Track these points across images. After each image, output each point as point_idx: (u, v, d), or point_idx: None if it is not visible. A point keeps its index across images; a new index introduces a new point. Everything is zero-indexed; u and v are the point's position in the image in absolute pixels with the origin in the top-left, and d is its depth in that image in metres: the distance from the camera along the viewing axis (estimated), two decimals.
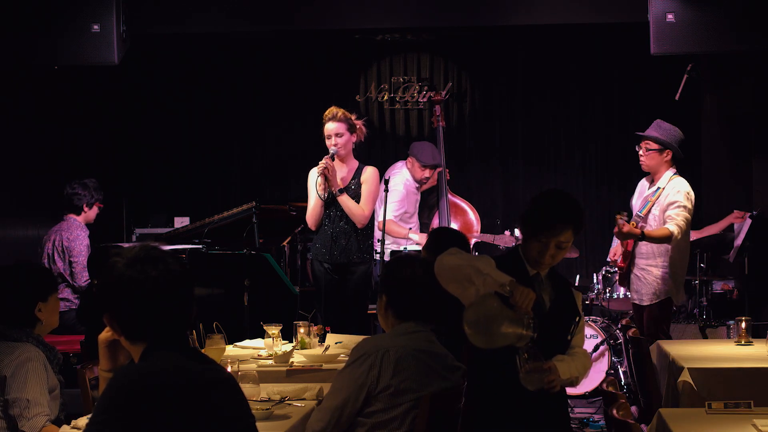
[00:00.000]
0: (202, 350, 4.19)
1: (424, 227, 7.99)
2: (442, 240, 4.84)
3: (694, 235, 7.02)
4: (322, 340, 5.24)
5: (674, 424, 3.43)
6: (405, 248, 7.56)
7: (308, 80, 9.59)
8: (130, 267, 2.49)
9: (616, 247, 6.75)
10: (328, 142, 6.27)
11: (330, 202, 6.24)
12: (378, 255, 6.64)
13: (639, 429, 3.10)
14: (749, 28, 7.00)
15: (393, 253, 7.19)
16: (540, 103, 9.56)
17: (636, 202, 6.65)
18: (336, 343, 5.08)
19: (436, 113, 8.26)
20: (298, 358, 4.78)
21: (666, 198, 6.32)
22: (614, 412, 3.22)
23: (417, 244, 7.49)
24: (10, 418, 3.62)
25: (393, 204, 7.55)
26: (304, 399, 3.92)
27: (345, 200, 6.18)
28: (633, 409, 5.37)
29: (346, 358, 3.62)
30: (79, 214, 7.32)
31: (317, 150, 9.59)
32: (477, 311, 3.51)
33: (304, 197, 6.56)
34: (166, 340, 2.50)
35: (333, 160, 6.21)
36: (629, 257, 6.48)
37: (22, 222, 8.04)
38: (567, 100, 9.54)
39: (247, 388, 3.45)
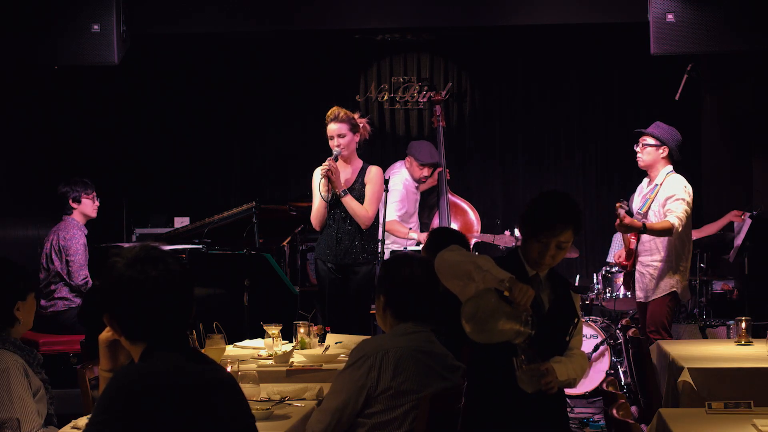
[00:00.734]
0: (202, 350, 4.19)
1: (424, 227, 7.99)
2: (441, 240, 4.84)
3: (694, 235, 7.02)
4: (322, 340, 5.24)
5: (674, 424, 3.43)
6: (405, 248, 7.56)
7: (308, 80, 9.59)
8: (130, 267, 2.49)
9: (620, 251, 6.77)
10: (331, 143, 6.25)
11: (334, 203, 6.23)
12: (378, 255, 6.63)
13: (639, 429, 3.10)
14: (749, 28, 7.01)
15: (393, 253, 7.19)
16: (540, 103, 9.57)
17: (636, 201, 6.66)
18: (336, 343, 5.08)
19: (436, 113, 8.26)
20: (298, 358, 4.78)
21: (664, 194, 6.33)
22: (614, 412, 3.22)
23: (418, 243, 7.49)
24: None
25: (394, 204, 7.55)
26: (304, 399, 3.92)
27: (349, 201, 6.17)
28: (633, 409, 5.36)
29: (346, 358, 3.62)
30: (70, 212, 7.30)
31: (317, 150, 9.61)
32: (475, 305, 3.53)
33: (304, 197, 6.56)
34: (166, 340, 2.50)
35: (336, 161, 6.20)
36: (633, 255, 6.49)
37: (22, 222, 8.04)
38: (567, 100, 9.54)
39: (247, 388, 3.45)
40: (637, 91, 9.31)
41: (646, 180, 6.57)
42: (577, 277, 8.51)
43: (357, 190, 6.22)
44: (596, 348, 7.48)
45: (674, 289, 6.32)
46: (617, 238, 8.54)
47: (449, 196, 8.13)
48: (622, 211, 6.19)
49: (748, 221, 7.39)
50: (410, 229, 7.77)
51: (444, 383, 3.51)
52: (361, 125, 6.30)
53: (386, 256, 6.83)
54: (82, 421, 3.60)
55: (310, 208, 6.48)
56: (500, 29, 8.81)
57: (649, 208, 6.42)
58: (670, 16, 6.98)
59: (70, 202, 7.31)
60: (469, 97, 9.61)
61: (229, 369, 3.83)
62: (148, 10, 7.68)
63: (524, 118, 9.58)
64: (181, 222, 8.78)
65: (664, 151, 6.39)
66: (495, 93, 9.64)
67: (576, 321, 3.86)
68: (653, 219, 6.36)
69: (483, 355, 3.72)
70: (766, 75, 8.34)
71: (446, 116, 9.31)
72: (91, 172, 8.11)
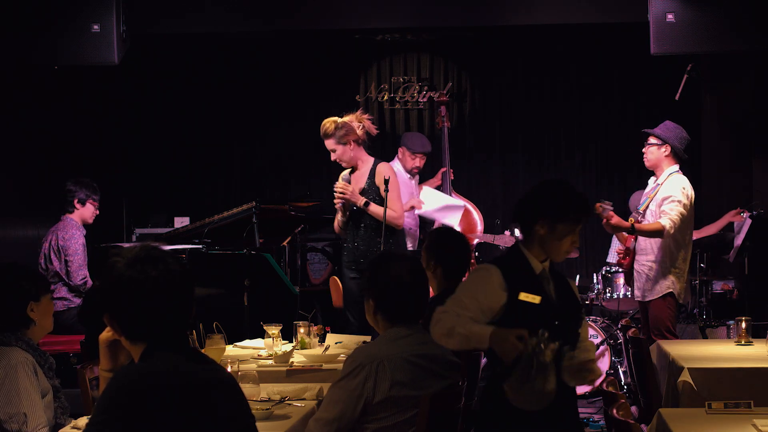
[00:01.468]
0: (202, 350, 4.19)
1: (428, 226, 7.99)
2: (442, 240, 4.84)
3: (695, 235, 7.03)
4: (322, 340, 5.24)
5: (674, 424, 3.43)
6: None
7: (308, 80, 9.59)
8: (130, 267, 2.49)
9: (620, 246, 6.76)
10: (331, 158, 6.29)
11: (350, 213, 6.22)
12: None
13: (639, 429, 3.10)
14: (749, 28, 7.01)
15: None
16: (540, 102, 9.57)
17: (635, 201, 6.68)
18: (336, 343, 5.08)
19: (440, 114, 8.26)
20: (298, 358, 4.78)
21: (662, 193, 6.32)
22: (614, 412, 3.22)
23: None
24: None
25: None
26: (304, 399, 3.92)
27: (373, 209, 6.14)
28: (633, 409, 5.36)
29: (345, 359, 3.61)
30: (72, 212, 7.31)
31: (317, 150, 9.61)
32: (517, 383, 3.53)
33: (304, 197, 6.56)
34: (166, 340, 2.50)
35: (349, 182, 6.18)
36: (631, 254, 6.49)
37: (22, 222, 8.04)
38: (567, 99, 9.54)
39: (247, 388, 3.45)
40: (637, 91, 9.32)
41: (652, 179, 6.57)
42: (577, 277, 8.52)
43: (369, 191, 6.18)
44: (596, 348, 7.48)
45: (670, 290, 6.29)
46: (616, 241, 8.55)
47: (453, 196, 8.13)
48: (609, 211, 6.20)
49: (748, 221, 7.39)
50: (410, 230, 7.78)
51: (443, 382, 3.51)
52: (359, 127, 6.24)
53: None
54: (82, 421, 3.60)
55: (310, 208, 6.49)
56: (500, 29, 8.81)
57: (647, 207, 6.42)
58: (670, 16, 6.98)
59: (75, 202, 7.31)
60: (469, 97, 9.61)
61: (229, 369, 3.83)
62: (148, 10, 7.68)
63: (524, 117, 9.58)
64: (181, 222, 8.78)
65: (666, 150, 6.38)
66: (495, 93, 9.64)
67: (582, 310, 3.83)
68: (650, 218, 6.35)
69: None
70: (766, 75, 8.35)
71: (448, 116, 9.32)
72: (91, 172, 8.11)
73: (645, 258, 6.37)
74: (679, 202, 6.21)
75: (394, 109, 9.69)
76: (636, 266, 6.44)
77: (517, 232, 7.92)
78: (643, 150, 6.46)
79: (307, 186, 9.32)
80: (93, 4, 7.12)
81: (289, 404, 3.76)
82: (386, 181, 6.38)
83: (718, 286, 8.07)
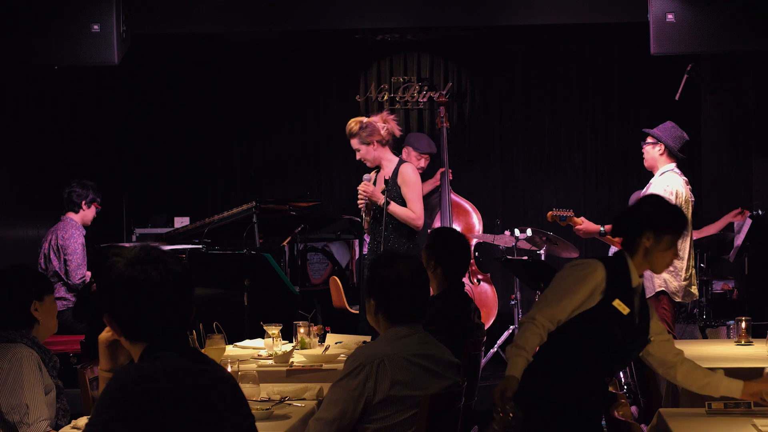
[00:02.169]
0: (202, 350, 4.19)
1: (425, 227, 7.99)
2: (442, 240, 4.84)
3: (694, 235, 7.02)
4: (322, 340, 5.25)
5: (674, 424, 3.43)
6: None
7: (308, 80, 9.59)
8: (130, 267, 2.49)
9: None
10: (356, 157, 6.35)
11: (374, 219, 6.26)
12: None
13: (639, 429, 3.10)
14: (749, 28, 7.01)
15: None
16: (540, 102, 9.56)
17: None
18: (336, 343, 5.08)
19: (440, 114, 8.26)
20: (298, 358, 4.78)
21: (647, 191, 6.32)
22: (614, 412, 3.22)
23: None
24: (9, 425, 3.59)
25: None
26: (304, 399, 3.92)
27: (394, 209, 6.16)
28: (633, 409, 5.36)
29: (346, 359, 3.61)
30: (77, 212, 7.33)
31: (317, 150, 9.63)
32: None
33: (304, 197, 6.57)
34: (166, 340, 2.50)
35: (373, 181, 6.21)
36: None
37: (22, 222, 8.04)
38: (567, 99, 9.54)
39: (247, 388, 3.45)
40: (637, 91, 9.31)
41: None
42: None
43: (392, 191, 6.19)
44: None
45: (662, 289, 6.27)
46: None
47: (452, 196, 8.14)
48: (573, 218, 6.25)
49: (748, 221, 7.39)
50: None
51: (444, 382, 3.51)
52: (383, 128, 6.28)
53: None
54: (82, 421, 3.60)
55: (309, 208, 6.50)
56: (500, 29, 8.81)
57: None
58: (670, 16, 6.98)
59: (83, 203, 7.34)
60: (469, 97, 9.61)
61: (229, 369, 3.83)
62: (148, 10, 7.68)
63: (524, 117, 9.58)
64: (181, 222, 8.78)
65: (661, 149, 6.38)
66: (495, 93, 9.64)
67: (648, 339, 3.88)
68: None
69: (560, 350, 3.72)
70: (766, 75, 8.34)
71: (447, 116, 9.33)
72: (91, 172, 8.11)
73: None
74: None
75: (394, 109, 9.68)
76: None
77: (517, 232, 7.93)
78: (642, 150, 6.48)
79: (307, 186, 9.32)
80: (93, 4, 7.11)
81: (289, 404, 3.76)
82: (386, 182, 6.38)
83: (718, 286, 8.07)
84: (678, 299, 6.35)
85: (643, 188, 6.72)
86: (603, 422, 3.71)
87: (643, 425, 4.47)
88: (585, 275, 3.68)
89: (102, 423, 2.37)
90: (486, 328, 7.75)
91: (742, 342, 5.21)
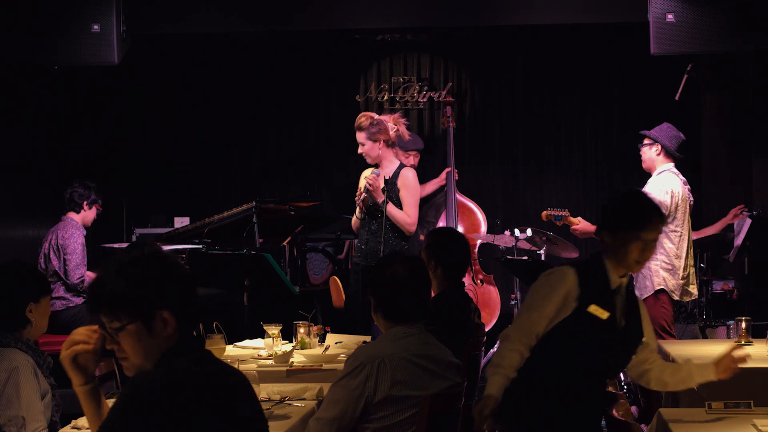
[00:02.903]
0: None
1: (430, 226, 7.99)
2: (442, 240, 4.84)
3: (694, 235, 7.02)
4: (322, 340, 5.25)
5: (674, 424, 3.43)
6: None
7: (308, 80, 9.59)
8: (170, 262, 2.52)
9: None
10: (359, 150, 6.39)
11: (367, 214, 6.29)
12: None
13: (639, 429, 3.10)
14: (749, 28, 7.01)
15: None
16: (540, 102, 9.56)
17: None
18: (336, 343, 5.08)
19: (446, 114, 8.25)
20: (298, 358, 4.78)
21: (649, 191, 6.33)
22: (614, 412, 3.22)
23: None
24: None
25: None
26: (304, 399, 3.92)
27: (391, 210, 6.21)
28: (633, 409, 5.37)
29: (346, 359, 3.61)
30: (78, 212, 7.34)
31: (317, 150, 9.63)
32: None
33: (304, 197, 6.57)
34: (185, 342, 2.50)
35: (378, 174, 6.25)
36: None
37: (22, 222, 8.04)
38: (567, 100, 9.54)
39: None
40: (637, 91, 9.31)
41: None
42: None
43: (389, 191, 6.22)
44: None
45: (661, 287, 6.28)
46: None
47: (457, 195, 8.14)
48: (569, 218, 6.26)
49: (748, 221, 7.39)
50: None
51: (444, 382, 3.51)
52: (393, 129, 6.36)
53: None
54: (82, 421, 3.60)
55: (309, 208, 6.51)
56: (500, 29, 8.81)
57: None
58: (670, 16, 6.98)
59: (85, 203, 7.34)
60: (469, 97, 9.61)
61: None
62: (148, 10, 7.68)
63: (524, 117, 9.57)
64: (181, 222, 8.78)
65: (657, 149, 6.40)
66: (495, 93, 9.63)
67: (641, 339, 3.70)
68: None
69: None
70: (766, 75, 8.34)
71: (454, 116, 9.33)
72: (91, 172, 8.11)
73: None
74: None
75: (394, 109, 9.65)
76: None
77: (517, 232, 7.93)
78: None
79: (307, 186, 9.32)
80: (93, 4, 7.12)
81: (289, 404, 3.77)
82: (386, 182, 6.40)
83: (718, 286, 8.06)
84: (676, 297, 6.36)
85: (641, 188, 6.73)
86: (603, 422, 3.69)
87: (643, 425, 4.48)
88: (554, 284, 3.56)
89: (124, 425, 2.35)
90: (489, 328, 7.76)
91: (742, 342, 5.21)
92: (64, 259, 7.16)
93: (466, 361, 4.33)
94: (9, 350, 3.65)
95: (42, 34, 7.14)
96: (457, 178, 8.15)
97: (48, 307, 3.85)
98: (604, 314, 3.52)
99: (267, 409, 3.51)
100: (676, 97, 7.58)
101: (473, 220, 8.13)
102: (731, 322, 5.89)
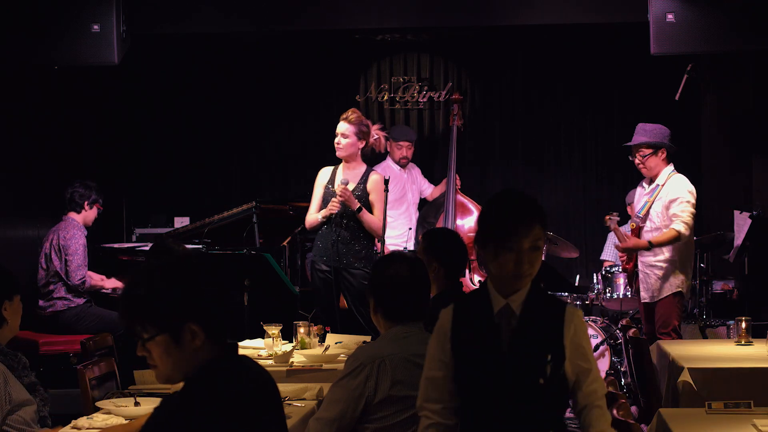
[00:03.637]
0: None
1: (430, 226, 7.98)
2: (439, 241, 4.83)
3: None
4: (322, 340, 5.25)
5: (674, 424, 3.43)
6: (405, 248, 7.55)
7: (308, 80, 9.59)
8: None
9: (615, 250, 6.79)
10: (335, 140, 6.30)
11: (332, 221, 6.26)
12: (378, 255, 6.63)
13: (639, 429, 3.10)
14: (749, 28, 7.01)
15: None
16: (540, 102, 9.57)
17: (635, 205, 6.68)
18: (336, 343, 5.08)
19: (453, 111, 8.24)
20: (298, 358, 4.78)
21: (667, 195, 6.33)
22: (614, 412, 3.22)
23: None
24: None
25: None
26: (304, 399, 3.92)
27: (364, 216, 6.19)
28: (633, 409, 5.37)
29: (346, 359, 3.61)
30: (79, 212, 7.33)
31: (317, 150, 9.63)
32: None
33: (304, 197, 6.56)
34: (223, 352, 2.51)
35: (347, 183, 6.21)
36: (633, 257, 6.50)
37: (22, 222, 8.04)
38: (567, 99, 9.54)
39: None
40: (637, 91, 9.31)
41: (645, 182, 6.58)
42: (577, 277, 8.51)
43: (357, 195, 6.22)
44: (596, 348, 7.48)
45: (680, 289, 6.32)
46: (612, 237, 8.56)
47: (457, 195, 8.13)
48: (622, 230, 6.23)
49: (748, 221, 7.39)
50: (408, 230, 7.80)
51: None
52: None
53: None
54: (82, 421, 3.60)
55: (309, 208, 6.48)
56: (500, 29, 8.81)
57: (648, 210, 6.41)
58: (670, 16, 6.98)
59: (86, 203, 7.33)
60: (469, 97, 9.61)
61: None
62: (148, 10, 7.68)
63: (524, 117, 9.58)
64: (181, 222, 8.78)
65: (662, 153, 6.41)
66: (495, 93, 9.64)
67: (549, 357, 2.93)
68: (655, 221, 6.36)
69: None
70: (766, 75, 8.34)
71: (446, 116, 9.32)
72: (91, 172, 8.11)
73: (654, 258, 6.37)
74: (688, 202, 6.27)
75: (394, 109, 9.69)
76: (642, 267, 6.44)
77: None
78: (636, 162, 6.47)
79: (307, 186, 9.30)
80: (93, 4, 7.11)
81: (289, 404, 3.76)
82: (386, 182, 6.39)
83: (718, 286, 8.06)
84: (687, 298, 6.44)
85: (647, 190, 6.73)
86: None
87: (643, 425, 4.48)
88: (434, 333, 3.06)
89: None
90: None
91: (742, 342, 5.22)
92: (66, 260, 7.15)
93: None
94: None
95: (42, 34, 7.13)
96: (459, 185, 8.11)
97: (20, 306, 3.81)
98: (479, 345, 2.94)
99: None
100: (676, 97, 7.58)
101: (472, 220, 8.13)
102: (731, 322, 5.89)
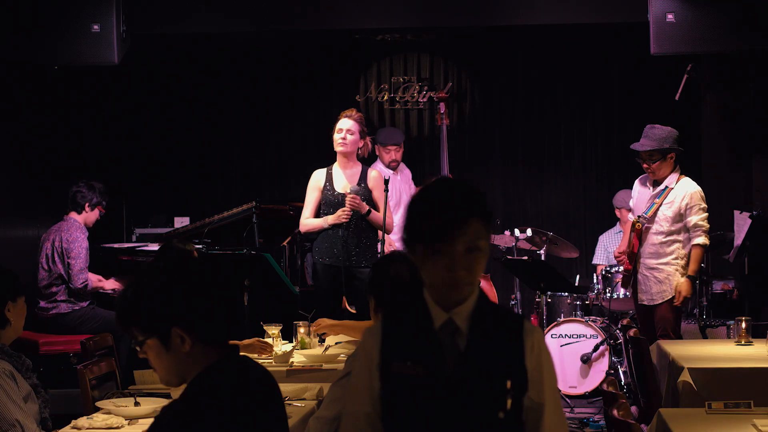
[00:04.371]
0: None
1: None
2: None
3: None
4: (322, 340, 5.25)
5: (674, 424, 3.43)
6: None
7: (308, 80, 9.59)
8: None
9: (617, 251, 6.77)
10: (335, 137, 6.31)
11: (337, 206, 6.30)
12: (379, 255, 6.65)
13: (639, 429, 3.10)
14: (749, 28, 7.01)
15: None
16: (540, 102, 9.57)
17: (636, 203, 6.65)
18: (336, 344, 5.08)
19: (440, 111, 8.25)
20: (298, 358, 4.78)
21: (681, 199, 6.33)
22: (614, 412, 3.22)
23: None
24: None
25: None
26: (304, 399, 3.92)
27: (374, 217, 6.25)
28: (633, 409, 5.37)
29: (346, 359, 3.61)
30: (80, 213, 7.30)
31: (317, 150, 9.62)
32: None
33: (304, 197, 6.56)
34: (219, 356, 2.51)
35: (358, 193, 6.25)
36: (635, 258, 6.48)
37: (22, 222, 8.04)
38: (567, 99, 9.54)
39: None
40: (637, 91, 9.31)
41: (648, 182, 6.56)
42: (577, 277, 8.51)
43: (361, 193, 6.27)
44: (596, 348, 7.48)
45: (679, 290, 6.31)
46: (601, 242, 8.57)
47: None
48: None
49: (748, 221, 7.39)
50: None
51: None
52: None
53: None
54: (82, 421, 3.60)
55: None
56: (500, 29, 8.81)
57: (656, 212, 6.39)
58: (670, 16, 6.98)
59: (87, 205, 7.31)
60: (469, 97, 9.61)
61: None
62: (148, 10, 7.68)
63: (524, 117, 9.58)
64: (181, 222, 8.78)
65: (673, 156, 6.41)
66: (495, 93, 9.64)
67: (509, 385, 2.38)
68: (663, 225, 6.35)
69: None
70: (766, 75, 8.34)
71: (448, 113, 9.31)
72: (91, 172, 8.10)
73: (656, 262, 6.36)
74: (704, 209, 6.34)
75: (394, 109, 9.69)
76: (644, 270, 6.42)
77: (517, 232, 7.93)
78: (644, 166, 6.45)
79: (307, 186, 9.30)
80: (93, 4, 7.11)
81: (289, 404, 3.76)
82: (386, 182, 6.41)
83: (718, 286, 8.06)
84: (686, 302, 6.46)
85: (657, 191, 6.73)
86: (603, 422, 3.69)
87: (643, 425, 4.48)
88: (356, 354, 2.60)
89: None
90: None
91: (742, 342, 5.22)
92: (68, 263, 7.12)
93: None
94: None
95: (42, 34, 7.13)
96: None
97: (24, 308, 3.83)
98: (417, 370, 2.38)
99: None
100: (676, 97, 7.58)
101: None
102: (731, 322, 5.89)
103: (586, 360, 7.51)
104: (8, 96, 7.70)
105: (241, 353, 2.56)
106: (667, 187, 6.40)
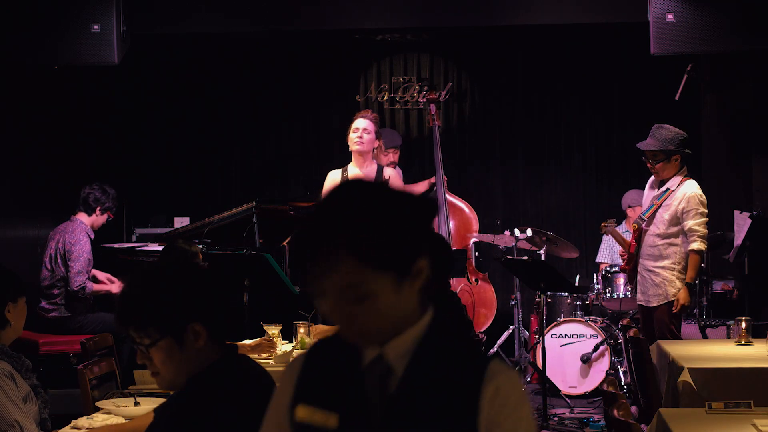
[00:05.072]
0: None
1: None
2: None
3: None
4: None
5: (674, 424, 3.43)
6: None
7: (308, 80, 9.59)
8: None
9: (621, 251, 6.77)
10: (351, 136, 6.34)
11: None
12: None
13: (639, 429, 3.10)
14: (749, 28, 7.01)
15: None
16: (540, 102, 9.57)
17: (643, 204, 6.65)
18: None
19: (430, 112, 8.24)
20: None
21: (679, 202, 6.30)
22: (614, 412, 3.22)
23: None
24: None
25: None
26: None
27: None
28: (633, 409, 5.37)
29: None
30: (90, 215, 7.28)
31: (317, 150, 9.63)
32: None
33: (304, 197, 6.57)
34: (222, 353, 2.51)
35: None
36: (633, 259, 6.48)
37: (22, 222, 8.04)
38: (567, 100, 9.54)
39: None
40: (637, 91, 9.31)
41: (651, 180, 6.55)
42: (577, 277, 8.51)
43: None
44: (596, 348, 7.49)
45: (676, 297, 6.29)
46: (606, 240, 8.57)
47: (447, 195, 8.13)
48: (620, 231, 6.24)
49: (748, 221, 7.39)
50: None
51: None
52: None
53: None
54: (82, 421, 3.60)
55: (309, 208, 6.48)
56: (500, 29, 8.81)
57: (654, 213, 6.38)
58: (670, 16, 6.98)
59: (98, 208, 7.29)
60: (469, 98, 9.61)
61: None
62: (148, 10, 7.68)
63: (524, 117, 9.58)
64: (181, 222, 8.78)
65: (678, 158, 6.38)
66: (495, 93, 9.64)
67: None
68: (660, 227, 6.33)
69: None
70: (766, 75, 8.34)
71: (446, 116, 9.31)
72: (91, 172, 8.11)
73: (653, 264, 6.34)
74: (702, 213, 6.28)
75: (394, 109, 9.69)
76: (642, 271, 6.41)
77: (517, 232, 7.93)
78: (649, 165, 6.42)
79: (307, 186, 9.31)
80: (93, 4, 7.12)
81: None
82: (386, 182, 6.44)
83: (718, 286, 8.06)
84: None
85: (643, 188, 6.72)
86: (603, 422, 3.69)
87: (643, 425, 4.48)
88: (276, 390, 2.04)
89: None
90: (486, 328, 7.75)
91: (742, 342, 5.22)
92: (68, 264, 7.12)
93: None
94: None
95: (42, 34, 7.13)
96: (445, 181, 8.08)
97: (25, 309, 3.81)
98: (329, 419, 1.82)
99: None
100: (676, 97, 7.58)
101: (463, 218, 8.12)
102: (731, 322, 5.89)
103: (586, 360, 7.52)
104: (8, 96, 7.70)
105: (250, 353, 2.58)
106: (668, 189, 6.38)
